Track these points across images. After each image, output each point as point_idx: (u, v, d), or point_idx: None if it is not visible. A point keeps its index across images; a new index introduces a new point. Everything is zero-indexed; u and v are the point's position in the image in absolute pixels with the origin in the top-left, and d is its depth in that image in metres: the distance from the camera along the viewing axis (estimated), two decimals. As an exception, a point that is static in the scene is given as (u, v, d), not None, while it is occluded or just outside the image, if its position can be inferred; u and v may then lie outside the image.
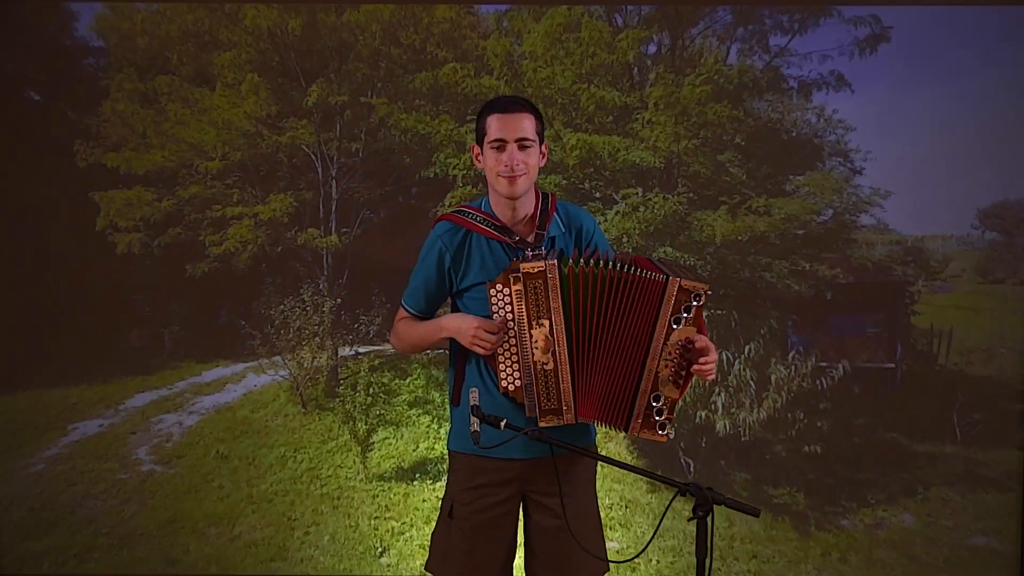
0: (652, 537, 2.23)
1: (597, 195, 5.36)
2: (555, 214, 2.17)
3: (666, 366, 1.97)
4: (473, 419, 1.97)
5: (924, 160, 4.75)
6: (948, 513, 4.93)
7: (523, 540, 2.23)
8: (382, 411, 5.65)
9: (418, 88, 5.70)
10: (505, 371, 2.03)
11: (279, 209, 5.68)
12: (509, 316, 1.99)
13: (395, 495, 5.33)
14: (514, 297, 1.96)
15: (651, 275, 1.95)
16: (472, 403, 2.00)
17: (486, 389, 2.10)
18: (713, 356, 1.99)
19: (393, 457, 5.52)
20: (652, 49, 5.44)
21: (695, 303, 1.94)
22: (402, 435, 5.63)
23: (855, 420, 5.27)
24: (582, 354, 2.01)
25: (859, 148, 5.18)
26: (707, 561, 1.77)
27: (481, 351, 2.02)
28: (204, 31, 5.74)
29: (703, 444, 5.01)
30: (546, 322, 1.96)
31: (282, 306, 5.73)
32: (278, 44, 5.79)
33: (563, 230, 2.17)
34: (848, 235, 5.15)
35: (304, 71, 5.73)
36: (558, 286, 1.95)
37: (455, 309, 2.21)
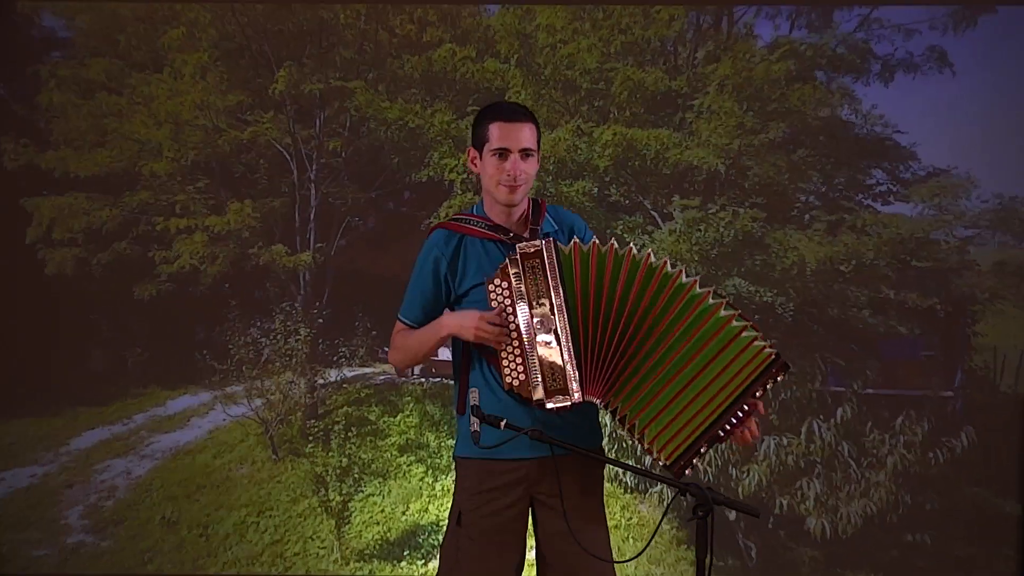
0: (652, 536, 2.48)
1: (626, 202, 4.36)
2: (547, 214, 2.23)
3: (729, 418, 2.00)
4: (473, 419, 2.01)
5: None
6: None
7: (534, 544, 2.24)
8: (365, 466, 4.79)
9: (409, 74, 4.89)
10: (508, 366, 2.06)
11: (234, 221, 4.80)
12: (509, 308, 2.04)
13: (377, 583, 4.41)
14: (512, 281, 2.02)
15: (760, 344, 1.97)
16: (472, 403, 2.05)
17: (491, 390, 2.13)
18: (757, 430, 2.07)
19: (377, 523, 4.66)
20: (692, 23, 4.48)
21: (778, 379, 1.99)
22: (389, 490, 4.79)
23: (926, 470, 4.32)
24: (589, 333, 2.04)
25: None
26: (707, 561, 1.83)
27: (487, 340, 2.06)
28: (158, 11, 4.94)
29: (769, 524, 4.00)
30: (546, 301, 2.01)
31: (248, 335, 4.95)
32: (242, 22, 4.92)
33: (555, 228, 2.23)
34: (938, 255, 4.15)
35: (277, 56, 4.94)
36: (556, 264, 2.01)
37: None
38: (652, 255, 2.01)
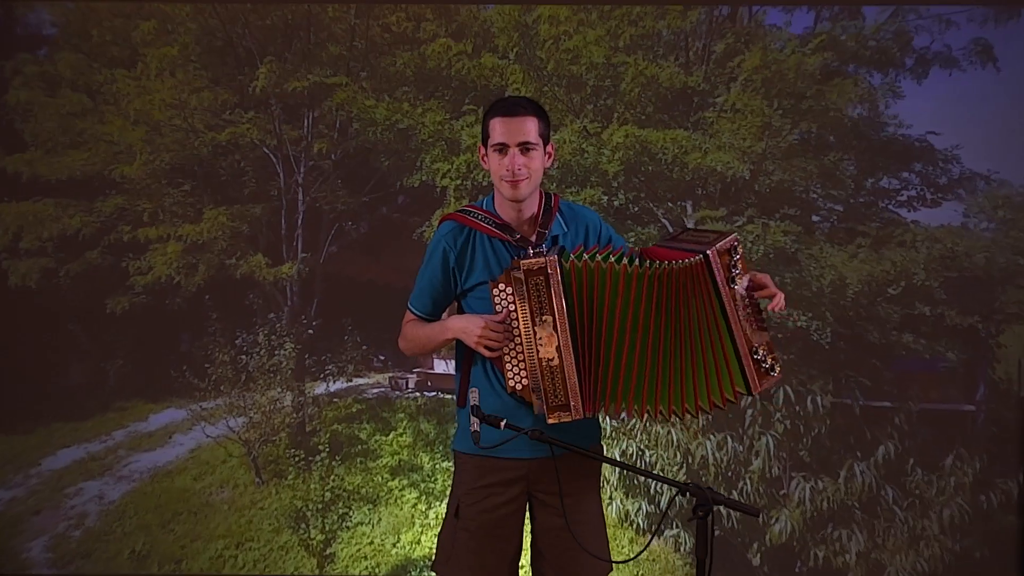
0: (652, 536, 2.49)
1: (635, 210, 4.02)
2: (557, 213, 2.23)
3: (747, 320, 2.02)
4: (473, 419, 2.03)
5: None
6: None
7: (530, 540, 2.28)
8: (354, 492, 4.47)
9: (401, 71, 4.57)
10: (512, 371, 2.08)
11: (208, 229, 4.50)
12: (513, 314, 2.07)
13: (362, 629, 4.11)
14: (516, 295, 2.04)
15: (686, 262, 2.01)
16: (472, 403, 2.07)
17: (492, 390, 2.16)
18: (773, 286, 2.06)
19: (366, 557, 4.37)
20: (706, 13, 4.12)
21: (737, 256, 2.00)
22: (379, 519, 4.51)
23: (977, 512, 3.97)
24: (591, 349, 2.07)
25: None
26: (707, 561, 1.82)
27: (487, 353, 2.09)
28: (142, 7, 4.64)
29: (796, 570, 3.64)
30: (549, 318, 2.03)
31: (229, 351, 4.66)
32: (223, 16, 4.67)
33: (566, 229, 2.23)
34: (993, 273, 3.77)
35: (262, 52, 4.64)
36: (560, 282, 2.03)
37: (460, 310, 2.27)
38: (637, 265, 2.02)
